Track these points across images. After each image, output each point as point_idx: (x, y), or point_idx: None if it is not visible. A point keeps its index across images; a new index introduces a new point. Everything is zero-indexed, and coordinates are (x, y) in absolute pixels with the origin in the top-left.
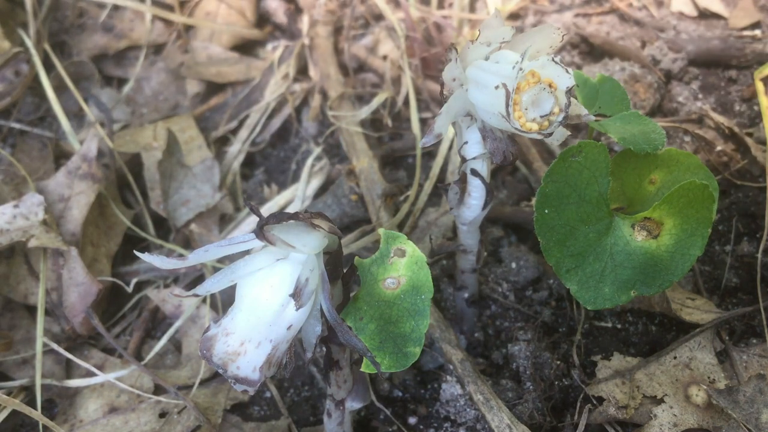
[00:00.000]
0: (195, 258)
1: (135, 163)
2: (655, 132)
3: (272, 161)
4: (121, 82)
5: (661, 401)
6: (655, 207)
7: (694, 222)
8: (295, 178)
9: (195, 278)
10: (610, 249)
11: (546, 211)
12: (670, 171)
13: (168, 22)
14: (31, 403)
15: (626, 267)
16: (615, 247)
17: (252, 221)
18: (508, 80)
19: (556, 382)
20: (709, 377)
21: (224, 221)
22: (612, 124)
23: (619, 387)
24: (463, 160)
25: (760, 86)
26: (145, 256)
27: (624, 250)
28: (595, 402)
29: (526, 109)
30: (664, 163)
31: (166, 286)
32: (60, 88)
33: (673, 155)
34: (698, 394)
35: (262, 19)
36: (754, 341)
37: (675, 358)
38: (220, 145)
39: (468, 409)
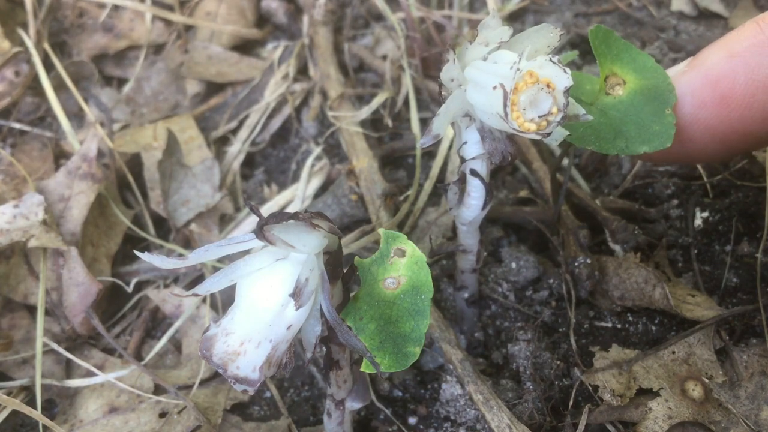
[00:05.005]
0: (195, 258)
1: (135, 163)
2: None
3: (272, 161)
4: (121, 82)
5: (656, 394)
6: (601, 66)
7: (625, 54)
8: (295, 178)
9: (195, 278)
10: (619, 109)
11: (581, 129)
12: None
13: (168, 22)
14: (31, 403)
15: (642, 107)
16: (618, 107)
17: (252, 221)
18: (506, 80)
19: (556, 382)
20: (707, 373)
21: (224, 221)
22: None
23: (615, 377)
24: (463, 160)
25: None
26: (145, 256)
27: (625, 103)
28: (590, 390)
29: (524, 109)
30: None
31: (166, 286)
32: (60, 88)
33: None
34: (695, 389)
35: (262, 19)
36: (754, 341)
37: (673, 353)
38: (220, 145)
39: (468, 409)
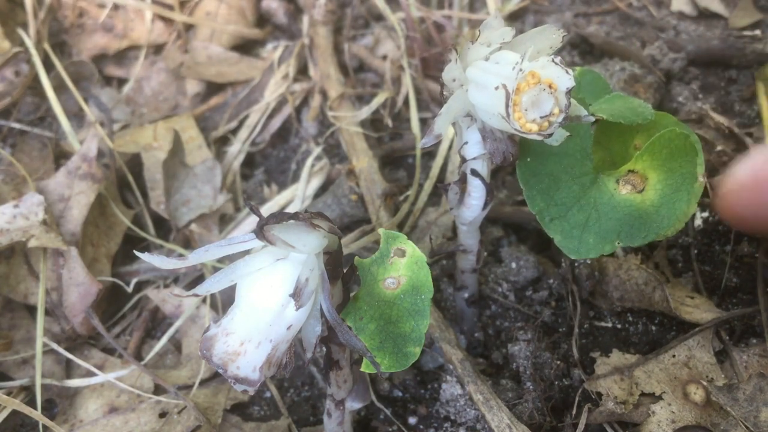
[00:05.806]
0: (195, 258)
1: (135, 163)
2: (641, 106)
3: (272, 161)
4: (121, 82)
5: (659, 398)
6: (636, 158)
7: (678, 177)
8: (295, 178)
9: (195, 278)
10: (594, 201)
11: (528, 159)
12: (651, 133)
13: (168, 22)
14: (31, 403)
15: (610, 218)
16: (599, 199)
17: (252, 221)
18: (508, 81)
19: (556, 382)
20: (707, 376)
21: (224, 221)
22: (598, 106)
23: (617, 383)
24: (463, 160)
25: (760, 86)
26: (145, 256)
27: (608, 202)
28: (594, 397)
29: (526, 109)
30: (645, 128)
31: (166, 286)
32: (60, 88)
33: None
34: (696, 392)
35: (262, 19)
36: (754, 341)
37: (674, 356)
38: (220, 145)
39: (468, 409)
